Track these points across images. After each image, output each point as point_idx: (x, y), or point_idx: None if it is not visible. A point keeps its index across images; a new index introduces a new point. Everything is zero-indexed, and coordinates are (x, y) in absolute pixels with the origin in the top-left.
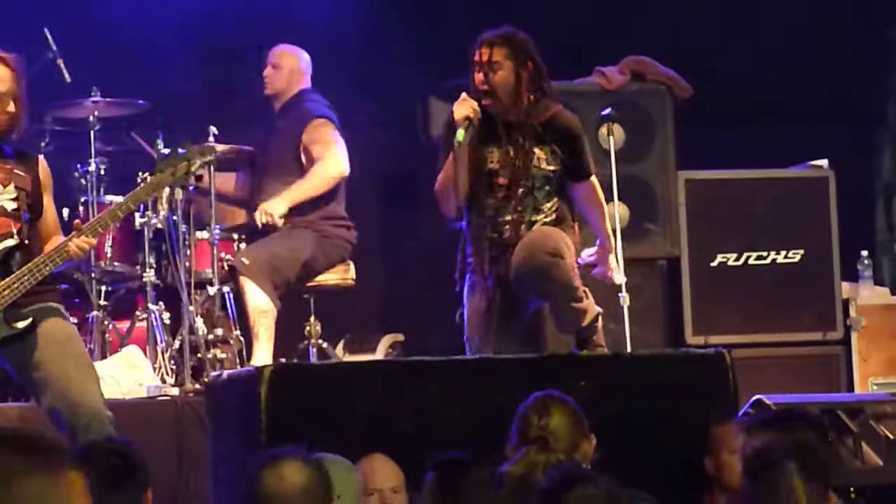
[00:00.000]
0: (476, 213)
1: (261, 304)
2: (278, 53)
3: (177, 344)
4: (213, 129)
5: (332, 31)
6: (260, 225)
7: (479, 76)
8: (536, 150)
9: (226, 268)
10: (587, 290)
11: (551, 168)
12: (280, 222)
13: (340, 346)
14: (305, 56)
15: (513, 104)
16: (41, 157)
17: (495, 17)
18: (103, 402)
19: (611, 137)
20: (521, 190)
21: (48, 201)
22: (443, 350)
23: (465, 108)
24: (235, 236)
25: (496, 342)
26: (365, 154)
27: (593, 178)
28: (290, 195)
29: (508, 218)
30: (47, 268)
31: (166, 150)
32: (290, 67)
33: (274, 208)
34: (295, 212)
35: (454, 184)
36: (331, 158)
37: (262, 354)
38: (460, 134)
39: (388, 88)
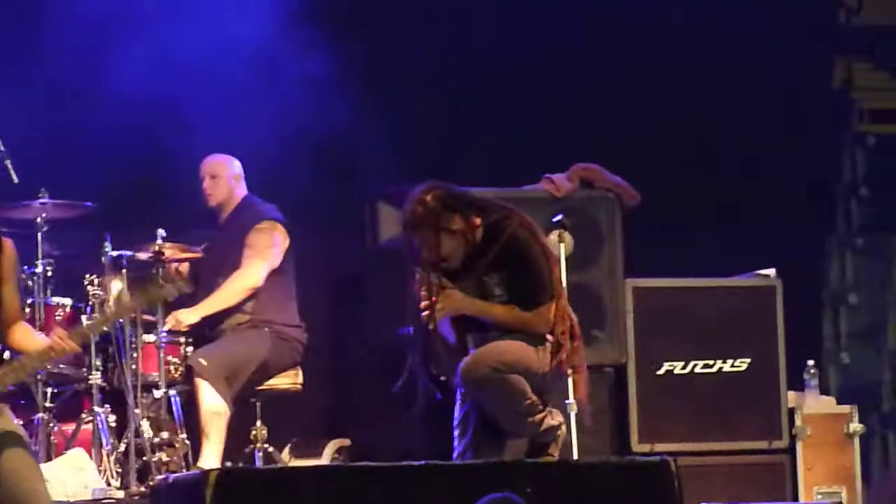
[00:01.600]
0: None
1: (215, 405)
2: (213, 164)
3: (122, 447)
4: (161, 232)
5: (281, 135)
6: (169, 326)
7: (422, 257)
8: (487, 277)
9: (173, 371)
10: (549, 400)
11: (502, 293)
12: (185, 329)
13: (287, 450)
14: (237, 162)
15: (462, 254)
16: (8, 240)
17: (441, 122)
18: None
19: (561, 245)
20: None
21: (11, 287)
22: (390, 454)
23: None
24: (182, 339)
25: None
26: (313, 257)
27: (537, 311)
28: (204, 307)
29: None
30: (31, 368)
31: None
32: (229, 175)
33: (185, 318)
34: (253, 309)
35: None
36: (250, 269)
37: (212, 456)
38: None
39: (337, 192)
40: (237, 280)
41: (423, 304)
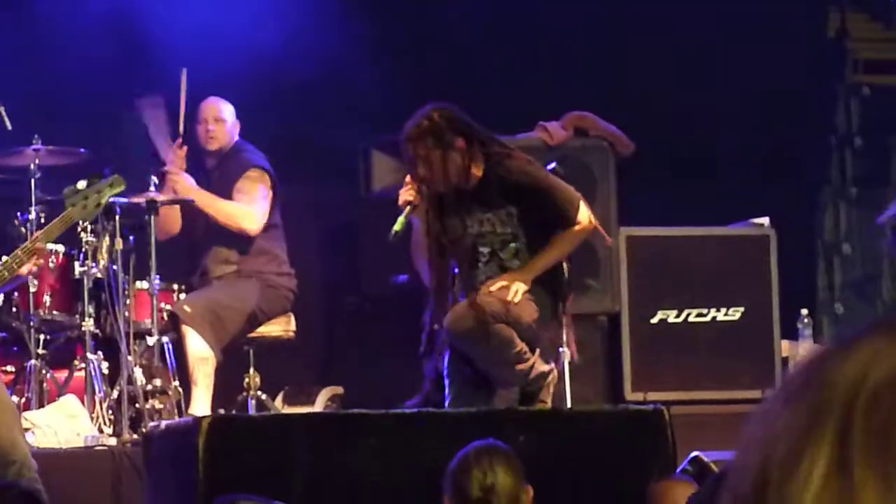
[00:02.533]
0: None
1: (201, 351)
2: (217, 106)
3: (115, 394)
4: (153, 179)
5: (272, 83)
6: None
7: (417, 172)
8: (490, 215)
9: (165, 318)
10: (538, 347)
11: (508, 230)
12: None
13: (280, 398)
14: (231, 107)
15: (460, 181)
16: None
17: (436, 70)
18: (29, 452)
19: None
20: (482, 258)
21: None
22: (382, 403)
23: (405, 194)
24: (175, 286)
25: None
26: (306, 207)
27: (575, 228)
28: (205, 196)
29: (482, 279)
30: None
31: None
32: (231, 120)
33: (184, 185)
34: (241, 259)
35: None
36: (248, 213)
37: (201, 403)
38: (399, 222)
39: (330, 141)
40: (240, 210)
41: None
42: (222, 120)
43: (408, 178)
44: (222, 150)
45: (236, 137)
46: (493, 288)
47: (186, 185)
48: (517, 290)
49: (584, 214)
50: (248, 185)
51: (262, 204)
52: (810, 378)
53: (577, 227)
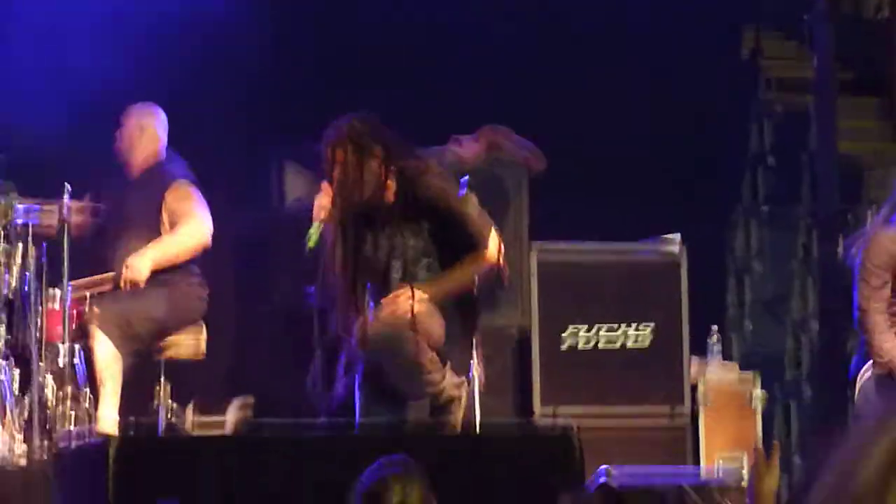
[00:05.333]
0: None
1: (109, 353)
2: (143, 114)
3: (27, 400)
4: (67, 186)
5: (190, 91)
6: (124, 282)
7: (334, 177)
8: (403, 230)
9: (76, 324)
10: (448, 361)
11: (421, 245)
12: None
13: (190, 407)
14: (163, 115)
15: (375, 191)
16: None
17: (352, 83)
18: None
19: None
20: (394, 272)
21: None
22: (294, 413)
23: (321, 201)
24: (88, 295)
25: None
26: (219, 216)
27: (480, 257)
28: (154, 251)
29: (393, 288)
30: None
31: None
32: (156, 130)
33: (139, 263)
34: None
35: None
36: (194, 226)
37: (109, 405)
38: (313, 236)
39: (243, 151)
40: (186, 234)
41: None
42: (146, 129)
43: (324, 185)
44: (147, 160)
45: (162, 145)
46: (395, 298)
47: (140, 265)
48: (418, 298)
49: (493, 245)
50: (179, 201)
51: (202, 212)
52: (887, 420)
53: (482, 257)
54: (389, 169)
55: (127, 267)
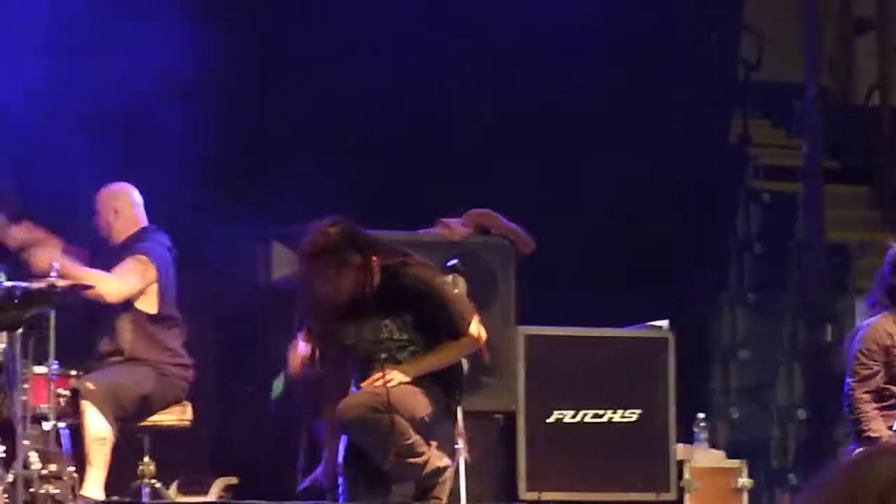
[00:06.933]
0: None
1: (100, 430)
2: (113, 195)
3: (10, 478)
4: (55, 264)
5: (178, 168)
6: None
7: (316, 290)
8: (387, 322)
9: (62, 403)
10: (434, 442)
11: (405, 337)
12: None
13: (174, 487)
14: (135, 192)
15: (355, 294)
16: None
17: (336, 165)
18: None
19: (455, 289)
20: (377, 364)
21: None
22: (276, 495)
23: (294, 359)
24: (73, 372)
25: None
26: (205, 295)
27: (463, 340)
28: (69, 268)
29: (375, 371)
30: None
31: None
32: (128, 206)
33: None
34: (132, 347)
35: None
36: (108, 280)
37: (95, 483)
38: (278, 384)
39: (231, 231)
40: (99, 277)
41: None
42: (121, 211)
43: (301, 337)
44: (126, 234)
45: (142, 223)
46: (371, 382)
47: (42, 257)
48: (397, 378)
49: (475, 329)
50: (125, 262)
51: (129, 279)
52: (851, 473)
53: (465, 340)
54: (369, 270)
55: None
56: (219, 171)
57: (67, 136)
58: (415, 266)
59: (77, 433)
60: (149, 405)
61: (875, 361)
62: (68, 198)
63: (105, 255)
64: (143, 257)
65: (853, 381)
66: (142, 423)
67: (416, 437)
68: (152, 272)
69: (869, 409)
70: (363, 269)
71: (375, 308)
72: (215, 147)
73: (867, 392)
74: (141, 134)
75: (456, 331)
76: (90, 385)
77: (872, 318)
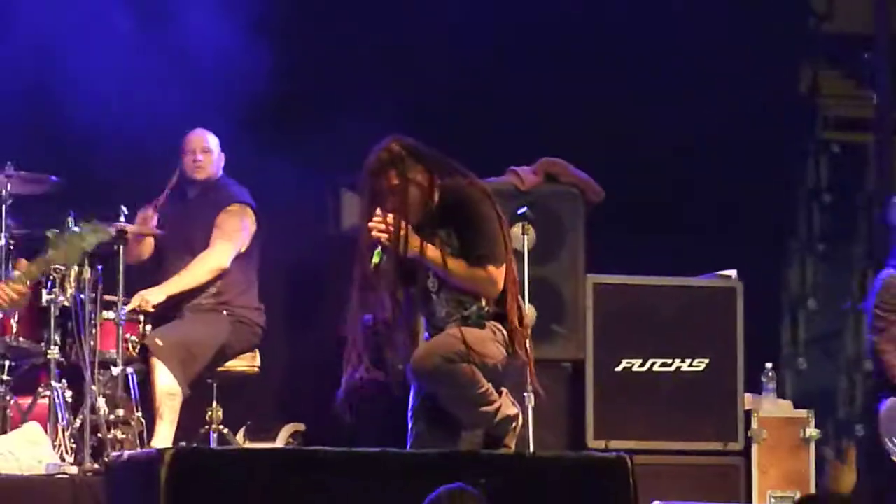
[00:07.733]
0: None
1: (169, 386)
2: (206, 138)
3: (78, 423)
4: (123, 209)
5: (245, 117)
6: (134, 306)
7: (385, 203)
8: (434, 235)
9: (131, 349)
10: (504, 391)
11: (451, 249)
12: (151, 310)
13: (241, 433)
14: (218, 141)
15: (423, 210)
16: None
17: (407, 112)
18: None
19: (524, 237)
20: (432, 286)
21: None
22: (343, 442)
23: (376, 230)
24: (142, 318)
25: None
26: (275, 243)
27: (481, 271)
28: (169, 286)
29: (442, 314)
30: None
31: (67, 229)
32: (217, 151)
33: (152, 297)
34: (214, 291)
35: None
36: (217, 251)
37: (164, 436)
38: (376, 255)
39: (301, 179)
40: (204, 261)
41: (383, 232)
42: (209, 150)
43: (378, 211)
44: (209, 180)
45: (221, 170)
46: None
47: (153, 300)
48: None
49: (498, 275)
50: (226, 220)
51: (238, 236)
52: None
53: (481, 272)
54: (431, 186)
55: (140, 297)
56: (287, 118)
57: (147, 87)
58: (470, 185)
59: (146, 380)
60: (223, 354)
61: (892, 313)
62: (140, 143)
63: (178, 197)
64: (240, 204)
65: (875, 337)
66: (213, 371)
67: (488, 386)
68: (250, 216)
69: (894, 358)
70: (426, 185)
71: (431, 222)
72: (285, 93)
73: (890, 342)
74: (207, 79)
75: (479, 261)
76: (159, 341)
77: (885, 272)
